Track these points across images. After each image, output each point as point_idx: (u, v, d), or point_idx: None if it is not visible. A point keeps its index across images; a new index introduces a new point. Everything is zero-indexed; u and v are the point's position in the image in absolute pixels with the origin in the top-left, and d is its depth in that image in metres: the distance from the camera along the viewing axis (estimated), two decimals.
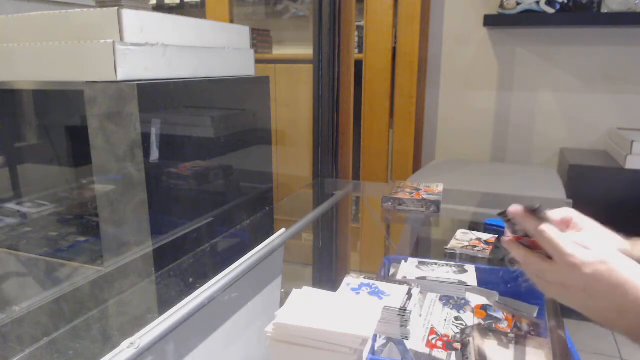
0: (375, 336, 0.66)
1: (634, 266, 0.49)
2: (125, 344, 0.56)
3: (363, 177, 2.07)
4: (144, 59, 0.89)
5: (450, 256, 0.94)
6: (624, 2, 1.66)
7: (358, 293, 0.65)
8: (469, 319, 0.74)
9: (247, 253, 0.84)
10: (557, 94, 1.92)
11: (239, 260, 0.80)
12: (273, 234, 0.95)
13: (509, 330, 0.71)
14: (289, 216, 1.23)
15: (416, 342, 0.68)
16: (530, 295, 0.80)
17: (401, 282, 0.67)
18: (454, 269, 0.82)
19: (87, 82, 0.86)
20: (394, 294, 0.64)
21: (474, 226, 1.11)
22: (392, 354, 0.66)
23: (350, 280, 0.69)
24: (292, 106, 2.08)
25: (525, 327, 0.72)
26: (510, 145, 2.01)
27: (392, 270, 0.86)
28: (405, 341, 0.65)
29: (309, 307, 0.55)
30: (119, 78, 0.84)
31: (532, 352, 0.63)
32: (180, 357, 0.64)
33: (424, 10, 1.91)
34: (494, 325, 0.72)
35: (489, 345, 0.64)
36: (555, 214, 0.57)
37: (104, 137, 0.86)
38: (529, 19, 1.77)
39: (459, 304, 0.77)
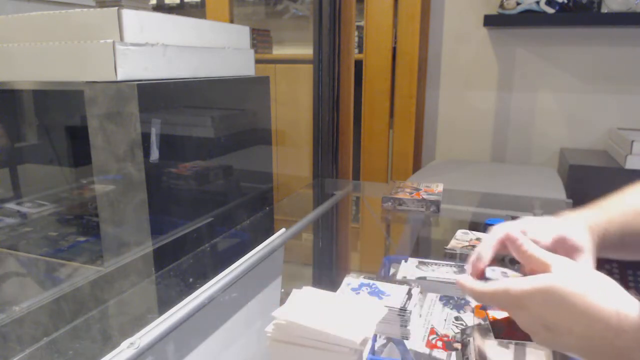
0: (375, 336, 0.66)
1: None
2: (125, 344, 0.56)
3: (363, 177, 2.07)
4: (144, 59, 0.89)
5: (450, 256, 0.94)
6: (624, 2, 1.66)
7: (358, 293, 0.65)
8: (469, 319, 0.74)
9: (247, 253, 0.84)
10: (557, 94, 1.92)
11: (239, 260, 0.80)
12: (273, 234, 0.95)
13: None
14: (289, 216, 1.24)
15: (416, 342, 0.68)
16: None
17: (401, 282, 0.67)
18: (454, 269, 0.82)
19: (87, 82, 0.86)
20: (394, 294, 0.64)
21: (474, 226, 1.11)
22: (392, 354, 0.66)
23: (350, 280, 0.69)
24: (292, 106, 2.08)
25: None
26: (510, 145, 2.01)
27: (392, 270, 0.86)
28: (405, 341, 0.65)
29: (309, 307, 0.55)
30: (119, 78, 0.84)
31: (532, 352, 0.63)
32: (180, 357, 0.64)
33: (424, 10, 1.91)
34: None
35: (489, 345, 0.64)
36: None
37: (104, 137, 0.86)
38: (529, 19, 1.76)
39: (459, 304, 0.77)
